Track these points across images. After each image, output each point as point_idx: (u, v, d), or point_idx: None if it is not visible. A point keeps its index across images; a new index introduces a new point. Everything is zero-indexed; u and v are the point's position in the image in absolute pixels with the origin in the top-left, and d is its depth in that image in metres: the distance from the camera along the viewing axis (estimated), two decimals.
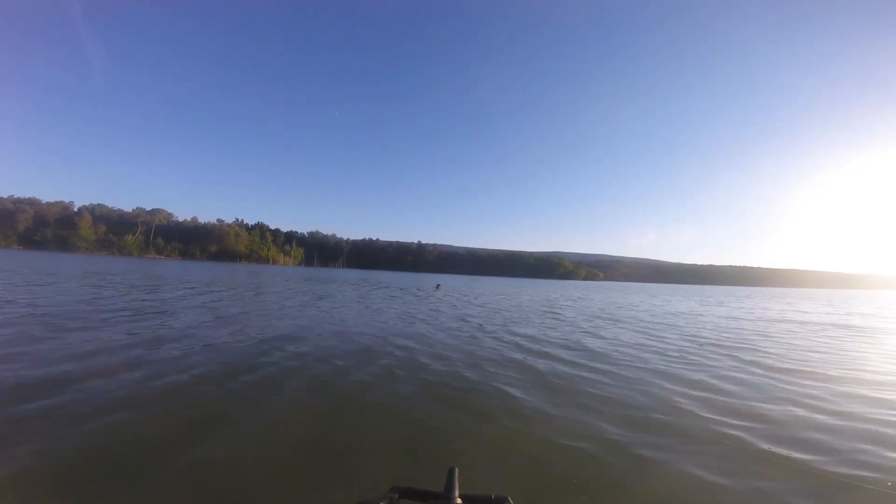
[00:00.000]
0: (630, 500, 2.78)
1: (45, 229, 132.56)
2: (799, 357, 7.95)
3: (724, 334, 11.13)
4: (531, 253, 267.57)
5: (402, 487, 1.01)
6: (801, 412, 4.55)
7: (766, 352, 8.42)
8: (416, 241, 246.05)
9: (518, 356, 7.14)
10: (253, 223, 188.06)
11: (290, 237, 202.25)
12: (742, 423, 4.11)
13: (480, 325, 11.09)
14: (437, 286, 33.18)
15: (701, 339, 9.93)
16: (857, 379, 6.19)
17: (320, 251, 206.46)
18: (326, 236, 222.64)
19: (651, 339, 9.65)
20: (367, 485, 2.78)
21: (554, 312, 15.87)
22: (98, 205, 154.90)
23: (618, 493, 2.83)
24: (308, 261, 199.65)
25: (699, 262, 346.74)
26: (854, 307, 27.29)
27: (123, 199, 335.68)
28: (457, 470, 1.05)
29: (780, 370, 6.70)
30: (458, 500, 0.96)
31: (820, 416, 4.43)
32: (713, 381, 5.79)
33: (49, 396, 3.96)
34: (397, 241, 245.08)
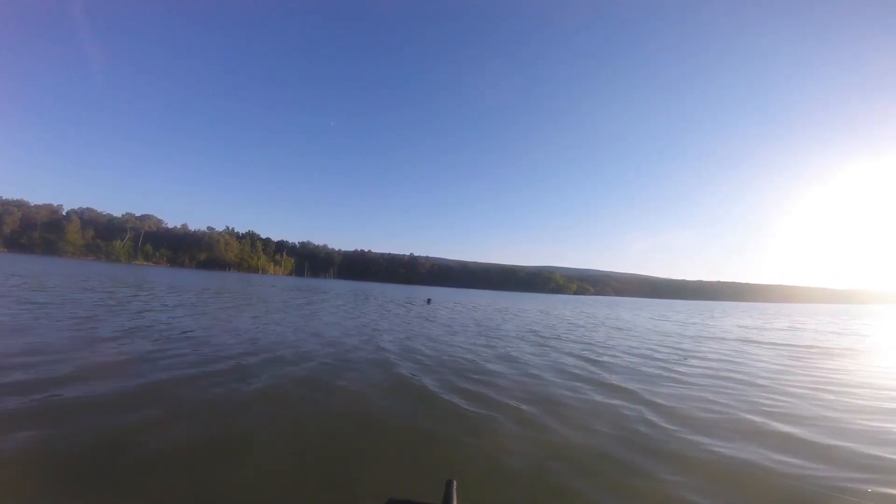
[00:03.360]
0: None
1: (32, 232, 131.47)
2: (674, 379, 7.88)
3: (629, 349, 11.45)
4: (523, 267, 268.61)
5: (399, 500, 1.00)
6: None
7: (639, 371, 7.92)
8: (408, 254, 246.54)
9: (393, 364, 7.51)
10: (244, 231, 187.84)
11: (281, 247, 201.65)
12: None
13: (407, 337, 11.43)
14: (429, 300, 32.43)
15: (591, 354, 9.97)
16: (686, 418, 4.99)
17: (311, 261, 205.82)
18: (318, 246, 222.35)
19: (537, 355, 9.44)
20: (362, 497, 2.78)
21: (494, 327, 16.22)
22: (87, 209, 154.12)
23: None
24: (299, 271, 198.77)
25: (689, 278, 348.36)
26: (816, 323, 27.71)
27: (113, 204, 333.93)
28: (455, 483, 1.03)
29: (620, 392, 6.11)
30: None
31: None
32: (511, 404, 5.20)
33: None
34: (389, 253, 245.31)
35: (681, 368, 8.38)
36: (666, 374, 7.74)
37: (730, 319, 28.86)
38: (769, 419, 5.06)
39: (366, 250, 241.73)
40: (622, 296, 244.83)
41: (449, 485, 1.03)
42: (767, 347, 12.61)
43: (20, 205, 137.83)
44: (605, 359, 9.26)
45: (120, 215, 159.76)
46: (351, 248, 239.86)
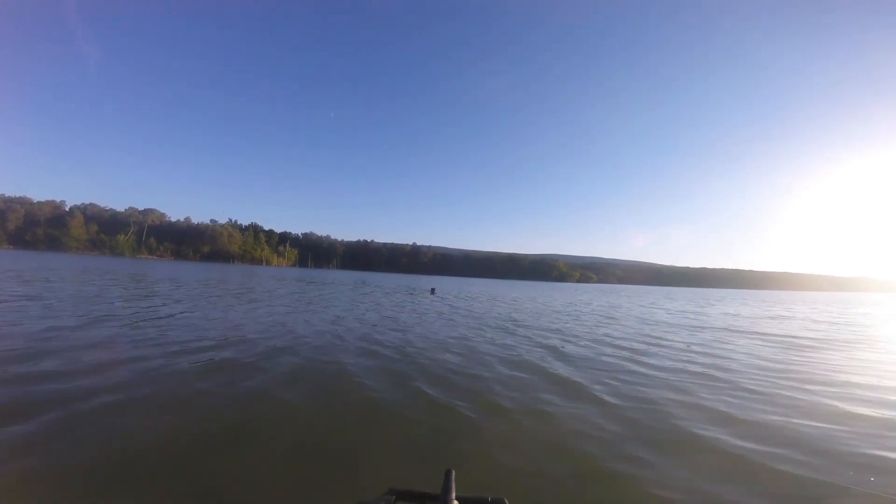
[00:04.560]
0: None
1: (36, 229, 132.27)
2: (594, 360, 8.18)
3: (620, 339, 11.56)
4: (526, 255, 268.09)
5: (399, 490, 1.02)
6: None
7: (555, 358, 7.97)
8: (410, 243, 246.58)
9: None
10: (247, 224, 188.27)
11: (284, 238, 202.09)
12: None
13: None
14: (433, 290, 31.65)
15: (588, 348, 10.15)
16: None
17: (314, 252, 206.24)
18: (321, 237, 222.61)
19: (537, 349, 9.91)
20: (364, 487, 2.83)
21: (490, 317, 16.39)
22: (90, 204, 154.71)
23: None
24: (302, 262, 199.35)
25: (692, 265, 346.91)
26: (811, 312, 27.78)
27: (116, 199, 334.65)
28: (454, 472, 1.06)
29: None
30: (455, 503, 0.96)
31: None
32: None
33: None
34: (392, 243, 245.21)
35: (663, 361, 8.43)
36: (633, 365, 7.51)
37: (723, 307, 28.65)
38: (718, 419, 4.70)
39: (368, 240, 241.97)
40: (625, 283, 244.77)
41: (448, 474, 1.05)
42: (750, 337, 12.33)
43: (23, 202, 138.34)
44: (601, 350, 9.38)
45: (123, 210, 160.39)
46: (353, 239, 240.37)
